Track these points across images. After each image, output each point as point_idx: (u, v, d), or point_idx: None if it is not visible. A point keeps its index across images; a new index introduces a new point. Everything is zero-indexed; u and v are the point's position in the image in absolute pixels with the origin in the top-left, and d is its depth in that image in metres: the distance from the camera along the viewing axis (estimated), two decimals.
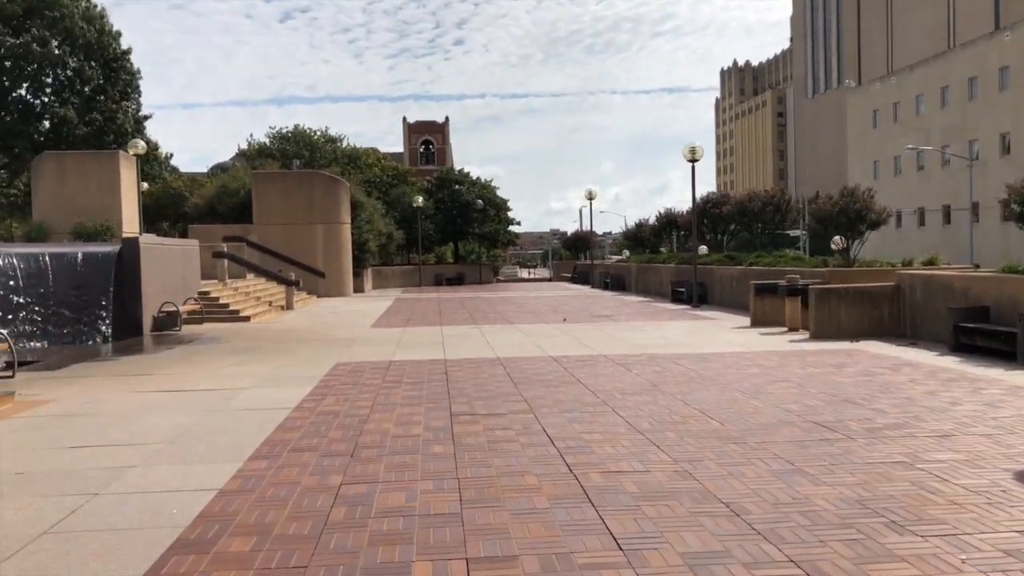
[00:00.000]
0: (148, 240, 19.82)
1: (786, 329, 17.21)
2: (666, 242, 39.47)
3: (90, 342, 17.59)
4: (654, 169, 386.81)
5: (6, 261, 17.28)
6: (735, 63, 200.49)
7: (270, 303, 26.88)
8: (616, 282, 38.04)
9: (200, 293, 23.31)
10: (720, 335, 16.58)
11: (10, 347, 12.09)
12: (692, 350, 13.99)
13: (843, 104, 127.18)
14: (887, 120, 74.57)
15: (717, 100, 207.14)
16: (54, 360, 14.45)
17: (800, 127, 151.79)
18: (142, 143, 28.63)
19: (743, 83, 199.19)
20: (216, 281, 26.06)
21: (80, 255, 18.55)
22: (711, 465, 6.39)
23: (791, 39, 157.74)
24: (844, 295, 15.87)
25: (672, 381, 10.64)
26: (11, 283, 17.29)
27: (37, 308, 17.49)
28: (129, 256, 18.95)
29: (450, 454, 6.85)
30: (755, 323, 18.45)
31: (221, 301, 23.30)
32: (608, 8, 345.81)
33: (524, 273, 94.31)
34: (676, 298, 27.61)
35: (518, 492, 5.72)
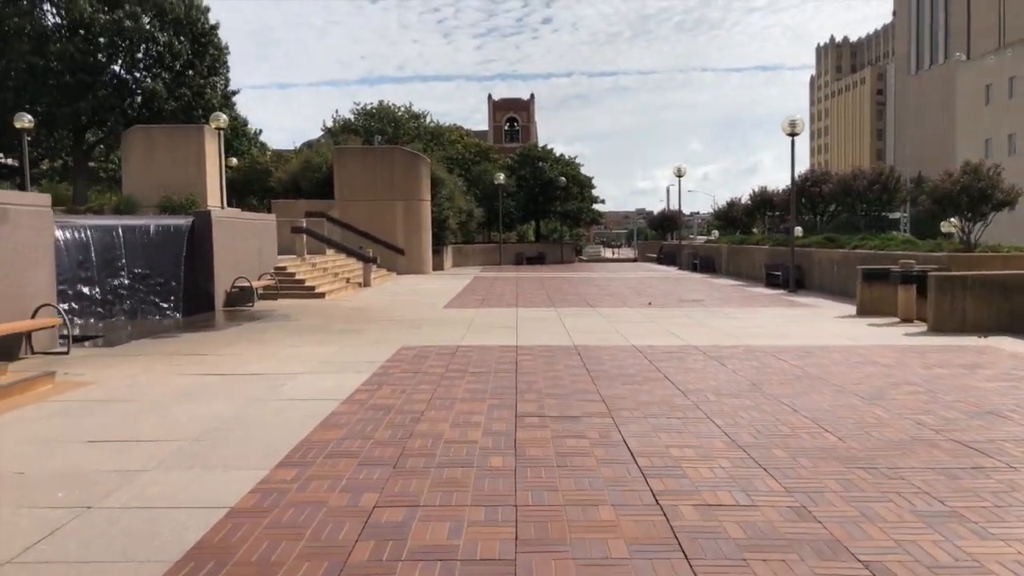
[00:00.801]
0: (221, 214, 19.35)
1: (898, 320, 15.43)
2: (759, 223, 37.32)
3: (161, 317, 17.22)
4: (744, 149, 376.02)
5: (80, 234, 16.99)
6: (832, 39, 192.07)
7: (347, 280, 26.33)
8: (705, 264, 36.22)
9: (276, 268, 22.87)
10: (823, 325, 14.95)
11: (65, 322, 11.58)
12: (794, 342, 12.49)
13: (950, 80, 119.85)
14: (1001, 95, 69.41)
15: (812, 78, 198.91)
16: (117, 335, 14.01)
17: (901, 105, 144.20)
18: (224, 117, 28.30)
19: (840, 60, 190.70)
20: (295, 256, 25.67)
21: (152, 228, 18.19)
22: (834, 499, 5.08)
23: (894, 13, 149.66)
24: (971, 284, 14.00)
25: (775, 380, 9.25)
26: (84, 256, 17.01)
27: (110, 281, 17.19)
28: (202, 230, 18.51)
29: (510, 469, 5.73)
30: (861, 312, 16.70)
31: (297, 277, 22.81)
32: None
33: (608, 253, 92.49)
34: (770, 282, 25.80)
35: (589, 530, 4.56)
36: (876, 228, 33.53)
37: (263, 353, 11.52)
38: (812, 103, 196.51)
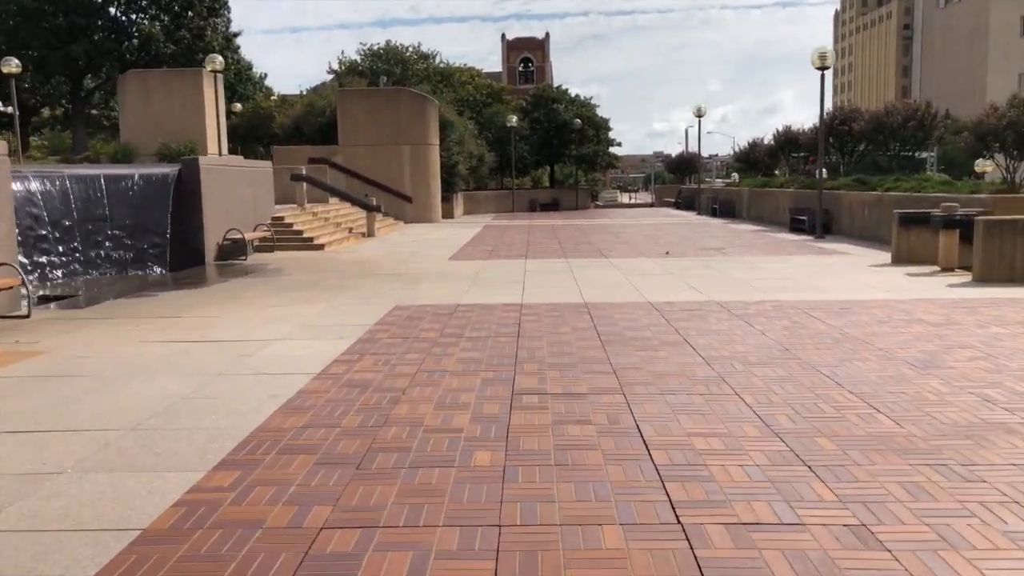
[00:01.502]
0: (210, 161, 18.22)
1: (938, 269, 14.21)
2: (782, 164, 35.73)
3: (146, 272, 16.25)
4: (764, 88, 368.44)
5: (58, 185, 15.96)
6: None
7: (350, 229, 25.25)
8: (725, 209, 34.79)
9: (274, 219, 21.82)
10: (857, 275, 13.74)
11: (24, 282, 10.60)
12: (827, 296, 11.33)
13: (979, 13, 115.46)
14: None
15: (836, 12, 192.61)
16: (89, 295, 13.05)
17: (928, 40, 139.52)
18: (220, 59, 27.02)
19: None
20: (295, 206, 24.59)
21: (137, 177, 17.11)
22: (902, 513, 4.02)
23: None
24: (1023, 229, 12.72)
25: (809, 343, 8.13)
26: (63, 208, 16.00)
27: (91, 235, 16.21)
28: (189, 179, 17.42)
29: (498, 470, 4.70)
30: (897, 260, 15.46)
31: (295, 227, 21.75)
32: None
33: (624, 198, 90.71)
34: (795, 227, 24.48)
35: (590, 566, 3.52)
36: (902, 169, 31.90)
37: (242, 314, 10.51)
38: (836, 39, 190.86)
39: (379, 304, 11.18)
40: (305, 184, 25.18)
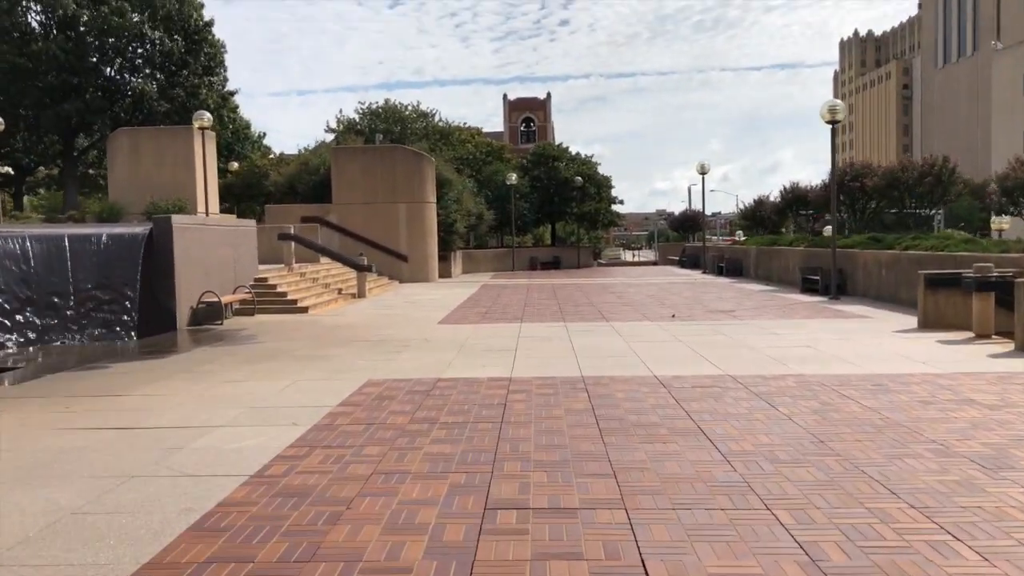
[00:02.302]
0: (185, 220, 17.14)
1: (972, 335, 12.92)
2: (790, 222, 34.72)
3: (111, 340, 15.02)
4: (764, 148, 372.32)
5: (18, 245, 14.87)
6: (856, 33, 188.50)
7: (339, 290, 24.10)
8: (732, 267, 33.65)
9: (256, 280, 20.67)
10: (884, 343, 12.45)
11: None
12: (855, 368, 10.03)
13: (978, 72, 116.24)
14: None
15: (836, 73, 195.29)
16: (36, 367, 11.81)
17: (927, 99, 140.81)
18: (208, 115, 26.19)
19: (864, 54, 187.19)
20: (282, 266, 23.49)
21: (105, 237, 16.01)
22: None
23: (920, 5, 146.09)
24: None
25: (847, 433, 6.83)
26: (22, 270, 14.87)
27: (52, 299, 15.04)
28: (162, 239, 16.32)
29: None
30: (924, 325, 14.18)
31: (279, 289, 20.57)
32: None
33: (628, 256, 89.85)
34: (807, 287, 23.25)
35: None
36: (908, 227, 30.75)
37: (191, 393, 9.23)
38: (836, 99, 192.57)
39: (350, 379, 9.91)
40: (293, 243, 24.12)
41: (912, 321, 15.00)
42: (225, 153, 51.37)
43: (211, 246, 18.17)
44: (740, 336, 13.51)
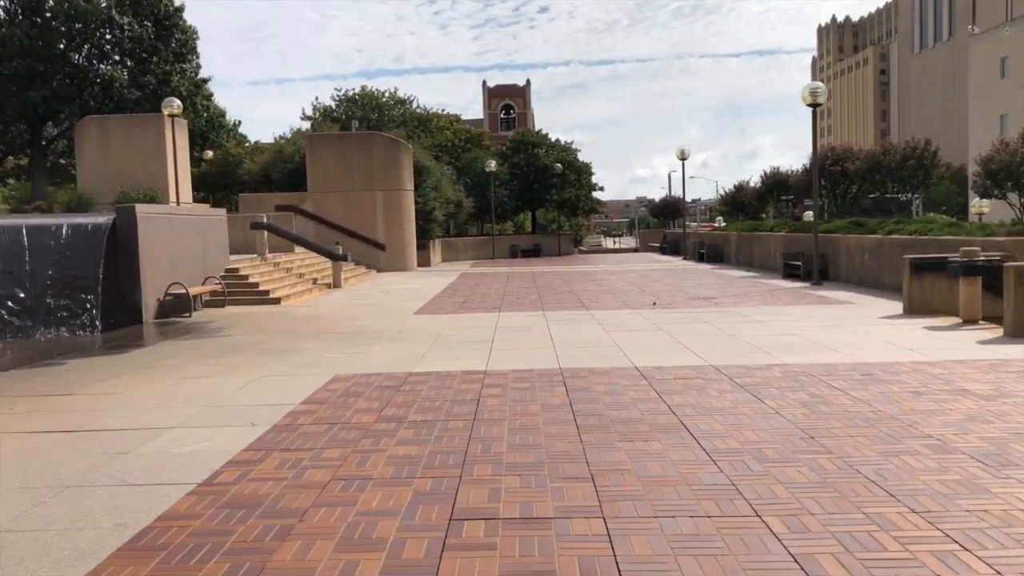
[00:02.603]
0: (150, 209, 16.53)
1: (959, 321, 12.64)
2: (771, 207, 34.48)
3: (74, 333, 14.44)
4: (743, 135, 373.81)
5: None
6: (834, 19, 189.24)
7: (315, 280, 23.55)
8: (712, 253, 33.37)
9: (228, 271, 20.10)
10: (870, 330, 12.12)
11: None
12: (842, 357, 9.69)
13: (953, 58, 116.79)
14: (1019, 68, 66.29)
15: (814, 59, 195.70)
16: None
17: (904, 84, 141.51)
18: (177, 102, 25.55)
19: (842, 40, 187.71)
20: (255, 256, 22.91)
21: (66, 228, 15.39)
22: None
23: None
24: None
25: (838, 427, 6.46)
26: None
27: (10, 292, 14.43)
28: (126, 229, 15.72)
29: None
30: (910, 311, 13.89)
31: (251, 280, 20.00)
32: None
33: (609, 243, 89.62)
34: (789, 273, 22.98)
35: None
36: (885, 211, 30.55)
37: (148, 391, 8.72)
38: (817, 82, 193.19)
39: (317, 374, 9.44)
40: (266, 233, 23.52)
41: (897, 307, 14.71)
42: (200, 142, 50.39)
43: (179, 236, 17.58)
44: (722, 324, 13.15)
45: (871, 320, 13.30)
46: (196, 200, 47.62)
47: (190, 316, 16.63)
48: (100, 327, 14.71)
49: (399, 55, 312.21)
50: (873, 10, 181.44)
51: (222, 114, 52.67)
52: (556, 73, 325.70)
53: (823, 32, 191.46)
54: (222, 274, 19.82)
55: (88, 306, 14.89)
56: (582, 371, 9.20)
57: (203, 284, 18.45)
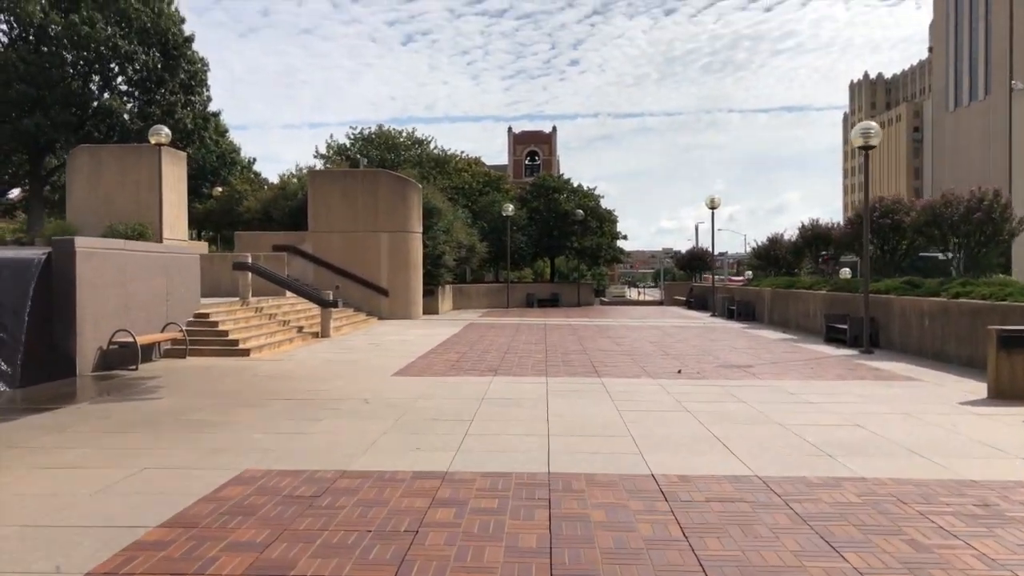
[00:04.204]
0: (92, 244, 14.32)
1: None
2: (808, 262, 31.83)
3: None
4: (770, 189, 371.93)
5: None
6: (866, 75, 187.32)
7: (300, 329, 21.22)
8: (743, 310, 30.70)
9: (197, 316, 17.85)
10: (957, 422, 9.47)
11: None
12: (936, 468, 7.08)
13: (990, 115, 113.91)
14: None
15: (845, 115, 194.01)
16: None
17: (939, 142, 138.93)
18: (166, 131, 23.61)
19: (875, 96, 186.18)
20: (236, 300, 20.68)
21: None
22: None
23: (930, 48, 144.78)
24: None
25: None
26: None
27: None
28: (62, 265, 13.51)
29: None
30: (998, 395, 11.22)
31: (220, 328, 17.68)
32: (726, 27, 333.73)
33: (633, 293, 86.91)
34: (832, 338, 20.31)
35: None
36: (919, 270, 27.67)
37: None
38: (845, 141, 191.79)
39: (222, 467, 7.00)
40: (250, 275, 21.31)
41: (976, 387, 12.07)
42: (211, 178, 48.90)
43: (134, 275, 15.36)
44: (764, 405, 10.56)
45: (951, 405, 10.64)
46: (201, 238, 45.92)
47: (136, 369, 14.32)
48: (19, 380, 12.40)
49: (431, 103, 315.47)
50: (907, 67, 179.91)
51: (234, 150, 51.28)
52: (584, 124, 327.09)
53: (855, 88, 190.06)
54: (190, 319, 17.58)
55: (6, 355, 12.59)
56: (577, 479, 6.68)
57: (162, 331, 16.19)
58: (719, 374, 13.89)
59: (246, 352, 16.78)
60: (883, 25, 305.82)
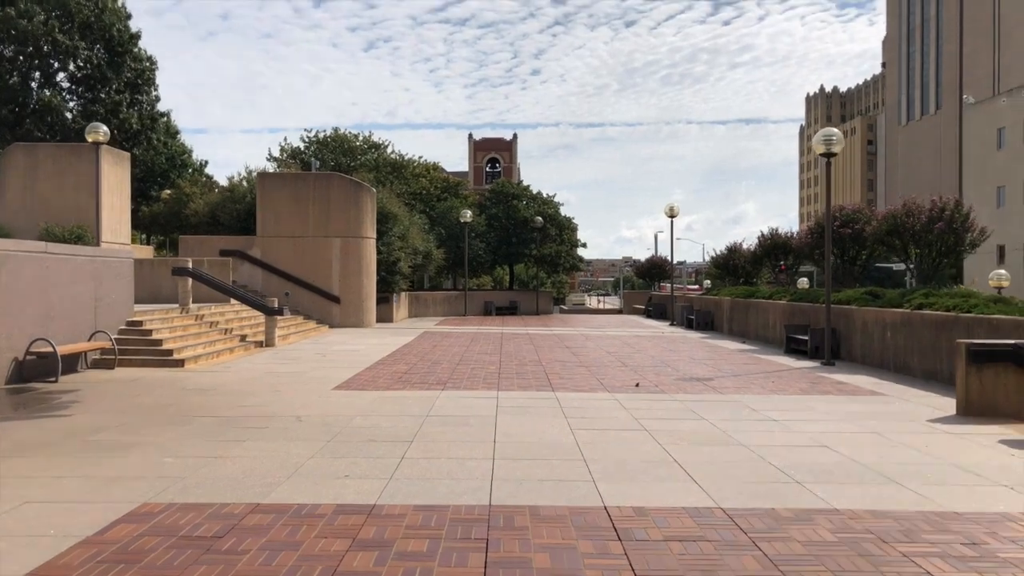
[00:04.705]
0: (7, 247, 13.23)
1: None
2: (767, 271, 31.54)
3: None
4: (728, 200, 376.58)
5: None
6: (822, 89, 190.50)
7: (243, 338, 20.19)
8: (702, 320, 30.29)
9: (129, 324, 16.79)
10: (929, 442, 8.92)
11: None
12: (914, 498, 6.47)
13: (941, 130, 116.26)
14: (1015, 140, 64.66)
15: (801, 127, 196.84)
16: None
17: (892, 155, 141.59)
18: (104, 128, 22.37)
19: (830, 110, 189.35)
20: (176, 307, 19.63)
21: None
22: None
23: (883, 64, 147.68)
24: None
25: None
26: None
27: None
28: None
29: None
30: (968, 412, 10.72)
31: (154, 337, 16.64)
32: (685, 39, 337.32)
33: (592, 302, 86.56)
34: (792, 349, 19.89)
35: None
36: (873, 281, 27.50)
37: None
38: (802, 153, 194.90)
39: (117, 500, 6.12)
40: (190, 280, 20.25)
41: (942, 402, 11.62)
42: (160, 180, 47.33)
43: (57, 281, 14.29)
44: (726, 423, 9.92)
45: (920, 423, 10.11)
46: (148, 242, 44.35)
47: (55, 381, 13.26)
48: None
49: (393, 110, 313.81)
50: (861, 81, 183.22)
51: (184, 151, 49.72)
52: (546, 133, 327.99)
53: (811, 101, 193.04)
54: (122, 327, 16.52)
55: None
56: (521, 513, 5.93)
57: (89, 340, 15.12)
58: (679, 388, 13.26)
59: (180, 363, 15.76)
60: (837, 41, 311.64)
